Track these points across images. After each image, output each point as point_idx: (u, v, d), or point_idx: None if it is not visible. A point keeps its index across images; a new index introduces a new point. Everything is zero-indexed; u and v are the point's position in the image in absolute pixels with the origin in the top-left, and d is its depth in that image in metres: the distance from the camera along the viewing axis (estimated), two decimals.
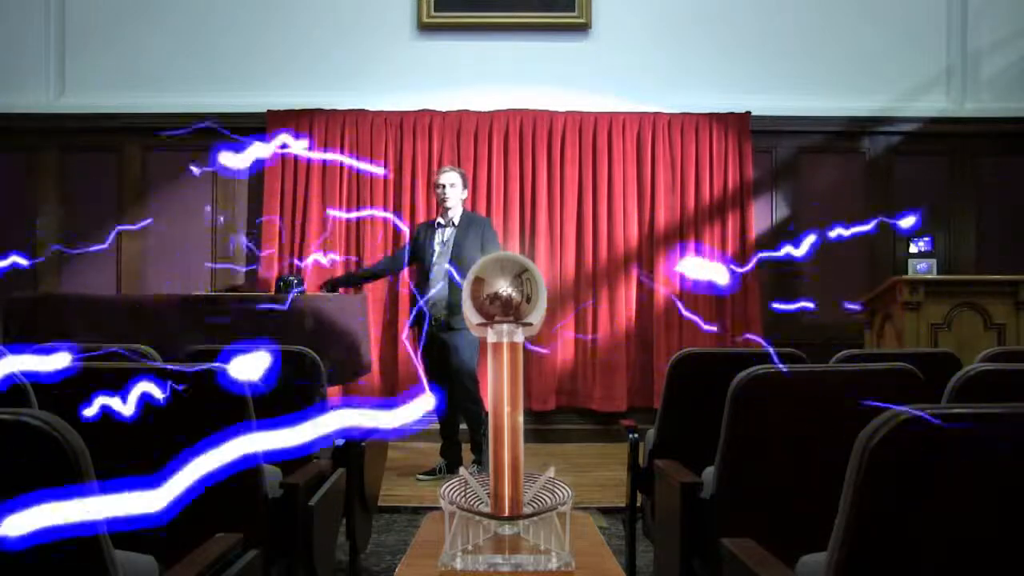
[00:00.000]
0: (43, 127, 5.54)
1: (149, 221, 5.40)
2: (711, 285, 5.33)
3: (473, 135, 5.50)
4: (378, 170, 5.37)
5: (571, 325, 5.43)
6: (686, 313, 5.17)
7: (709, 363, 2.37)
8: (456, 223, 4.06)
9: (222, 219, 5.50)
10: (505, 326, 1.54)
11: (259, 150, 1.57)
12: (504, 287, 1.54)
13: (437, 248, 4.06)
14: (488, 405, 1.62)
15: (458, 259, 3.95)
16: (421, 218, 5.35)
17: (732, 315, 5.41)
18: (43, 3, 5.59)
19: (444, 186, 4.05)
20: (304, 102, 5.51)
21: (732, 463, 1.85)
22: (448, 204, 4.05)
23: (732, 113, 5.52)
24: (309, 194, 5.45)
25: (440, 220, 4.12)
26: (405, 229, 5.37)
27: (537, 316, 1.57)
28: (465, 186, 4.14)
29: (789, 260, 5.48)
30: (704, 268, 1.81)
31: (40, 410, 1.16)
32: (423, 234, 4.16)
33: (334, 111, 5.51)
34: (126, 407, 1.36)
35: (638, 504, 2.58)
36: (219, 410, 1.81)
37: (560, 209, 5.47)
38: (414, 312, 4.28)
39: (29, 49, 5.59)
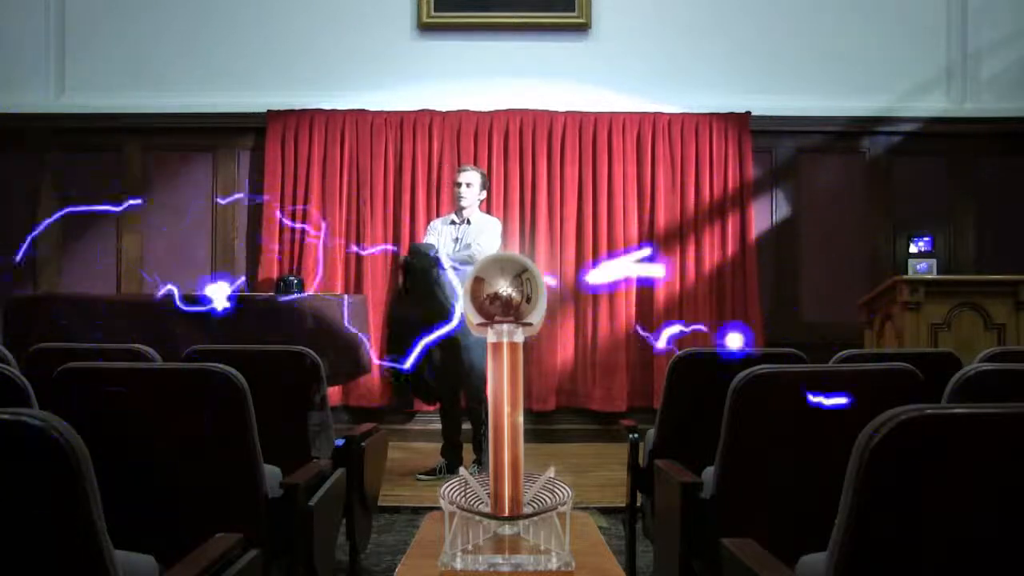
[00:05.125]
0: (43, 127, 5.54)
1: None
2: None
3: (473, 135, 5.50)
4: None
5: (571, 325, 5.43)
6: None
7: (709, 363, 2.37)
8: (471, 222, 4.07)
9: None
10: (505, 326, 1.54)
11: None
12: (504, 287, 1.54)
13: (453, 245, 4.05)
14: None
15: (472, 258, 3.96)
16: (421, 218, 5.35)
17: (732, 316, 5.41)
18: (43, 3, 5.59)
19: (462, 184, 4.07)
20: (304, 102, 5.51)
21: (732, 463, 1.85)
22: (464, 203, 4.06)
23: (732, 113, 5.52)
24: (309, 193, 5.45)
25: (455, 218, 4.12)
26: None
27: (537, 316, 1.57)
28: (484, 187, 4.16)
29: (790, 259, 5.50)
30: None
31: (40, 410, 1.16)
32: (439, 231, 4.15)
33: (334, 111, 5.51)
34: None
35: (638, 504, 2.58)
36: (219, 409, 1.82)
37: (560, 209, 5.46)
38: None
39: (29, 49, 5.58)
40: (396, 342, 4.01)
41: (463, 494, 1.57)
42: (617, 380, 5.35)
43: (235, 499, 1.82)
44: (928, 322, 3.97)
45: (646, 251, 5.00)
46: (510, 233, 5.32)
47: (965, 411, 1.10)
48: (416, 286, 3.95)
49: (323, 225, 5.43)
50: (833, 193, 5.64)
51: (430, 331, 3.97)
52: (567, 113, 5.51)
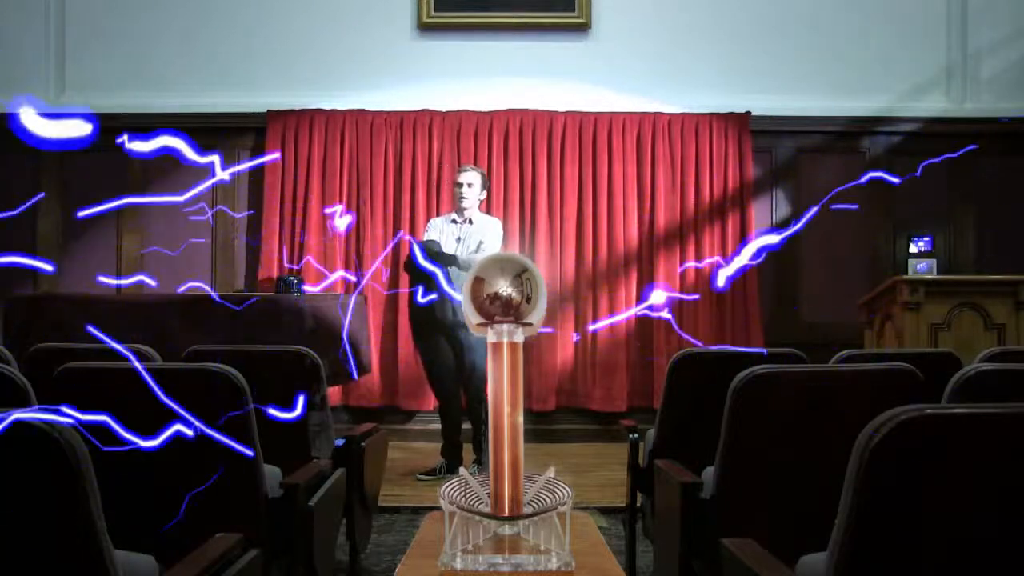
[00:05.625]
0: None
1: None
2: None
3: (473, 135, 5.50)
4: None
5: (571, 325, 5.43)
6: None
7: (709, 363, 2.37)
8: (472, 222, 4.07)
9: None
10: (505, 326, 1.54)
11: None
12: (504, 287, 1.54)
13: (456, 244, 4.04)
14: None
15: None
16: (421, 218, 5.35)
17: (732, 316, 5.41)
18: (43, 3, 5.59)
19: (463, 185, 4.06)
20: (304, 102, 5.51)
21: (732, 463, 1.85)
22: (466, 204, 4.05)
23: (732, 113, 5.52)
24: (309, 193, 5.45)
25: (456, 217, 4.12)
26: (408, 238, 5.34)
27: (537, 316, 1.57)
28: (484, 187, 4.16)
29: (790, 259, 5.50)
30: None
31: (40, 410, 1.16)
32: (440, 229, 4.14)
33: (334, 111, 5.51)
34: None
35: (638, 504, 2.58)
36: (219, 409, 1.81)
37: (560, 209, 5.46)
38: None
39: (29, 49, 5.58)
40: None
41: (463, 494, 1.57)
42: (617, 380, 5.35)
43: (235, 499, 1.82)
44: (928, 322, 3.97)
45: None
46: (510, 233, 5.32)
47: (965, 411, 1.10)
48: (414, 280, 3.95)
49: (322, 224, 5.43)
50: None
51: (429, 331, 3.97)
52: (567, 113, 5.51)
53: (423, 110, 5.51)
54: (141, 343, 2.43)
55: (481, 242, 4.00)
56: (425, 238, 4.12)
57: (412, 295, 4.09)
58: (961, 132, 5.57)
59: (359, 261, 5.44)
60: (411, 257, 3.96)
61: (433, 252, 3.89)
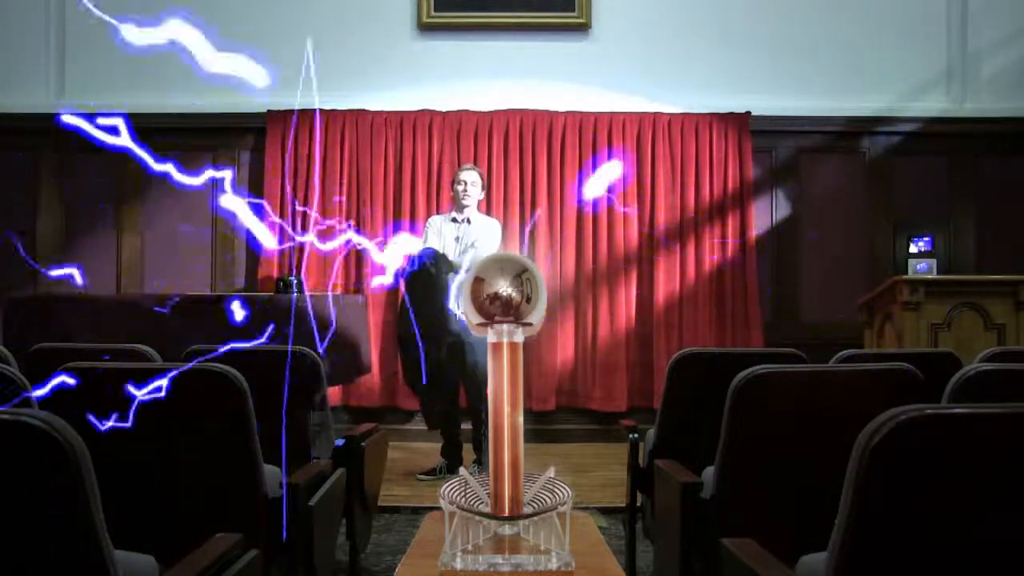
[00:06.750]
0: (43, 127, 5.53)
1: None
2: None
3: (473, 135, 5.50)
4: None
5: (571, 325, 5.43)
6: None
7: (709, 363, 2.37)
8: (471, 222, 4.07)
9: None
10: (505, 326, 1.54)
11: None
12: (504, 287, 1.54)
13: (454, 244, 4.04)
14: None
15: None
16: (421, 218, 5.35)
17: (732, 315, 5.41)
18: (43, 3, 5.59)
19: (465, 183, 4.06)
20: (304, 102, 5.51)
21: (732, 463, 1.85)
22: (467, 202, 4.06)
23: (732, 113, 5.52)
24: (309, 193, 5.45)
25: (456, 216, 4.12)
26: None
27: (537, 316, 1.57)
28: (483, 187, 4.18)
29: (790, 259, 5.49)
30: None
31: (40, 410, 1.16)
32: (439, 228, 4.13)
33: (334, 111, 5.51)
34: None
35: (638, 504, 2.58)
36: (219, 409, 1.82)
37: (560, 209, 5.47)
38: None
39: (29, 49, 5.58)
40: (414, 369, 3.99)
41: (463, 494, 1.57)
42: (617, 380, 5.35)
43: (235, 499, 1.82)
44: (928, 322, 3.97)
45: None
46: (510, 233, 5.32)
47: (965, 411, 1.10)
48: (417, 287, 3.93)
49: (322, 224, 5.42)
50: (833, 193, 5.64)
51: (433, 336, 3.94)
52: (567, 113, 5.51)
53: (423, 110, 5.51)
54: (141, 343, 2.43)
55: (474, 242, 3.99)
56: (425, 239, 4.11)
57: (404, 301, 4.06)
58: (961, 132, 5.57)
59: (358, 260, 5.44)
60: (417, 266, 3.95)
61: (431, 262, 3.88)
